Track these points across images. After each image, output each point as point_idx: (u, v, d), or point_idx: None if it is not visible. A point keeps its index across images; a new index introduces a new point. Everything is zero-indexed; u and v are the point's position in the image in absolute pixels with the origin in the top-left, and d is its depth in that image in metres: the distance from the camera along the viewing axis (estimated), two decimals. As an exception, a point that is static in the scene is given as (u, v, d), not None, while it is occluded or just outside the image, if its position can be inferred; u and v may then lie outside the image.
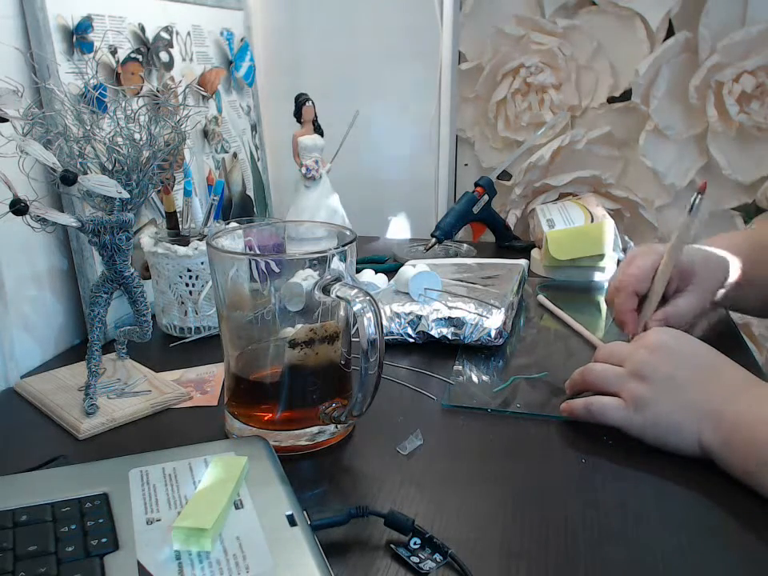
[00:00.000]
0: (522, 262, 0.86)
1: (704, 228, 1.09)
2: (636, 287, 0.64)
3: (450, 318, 0.68)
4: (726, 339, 0.72)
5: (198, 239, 0.72)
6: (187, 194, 0.77)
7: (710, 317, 0.75)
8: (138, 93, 0.76)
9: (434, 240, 1.00)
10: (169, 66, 0.84)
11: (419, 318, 0.69)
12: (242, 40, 1.02)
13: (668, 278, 0.64)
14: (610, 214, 0.97)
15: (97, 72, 0.71)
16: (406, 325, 0.69)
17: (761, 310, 0.74)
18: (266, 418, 0.51)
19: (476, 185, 1.04)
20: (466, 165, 1.18)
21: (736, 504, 0.44)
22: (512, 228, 1.10)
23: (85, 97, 0.53)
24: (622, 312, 0.65)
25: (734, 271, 0.66)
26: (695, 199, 0.61)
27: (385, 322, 0.69)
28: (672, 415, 0.49)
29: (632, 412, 0.50)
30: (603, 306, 0.82)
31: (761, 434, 0.45)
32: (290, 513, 0.38)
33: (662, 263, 0.63)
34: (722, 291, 0.67)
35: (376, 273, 0.84)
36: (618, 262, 0.91)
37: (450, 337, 0.68)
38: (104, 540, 0.36)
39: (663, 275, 0.63)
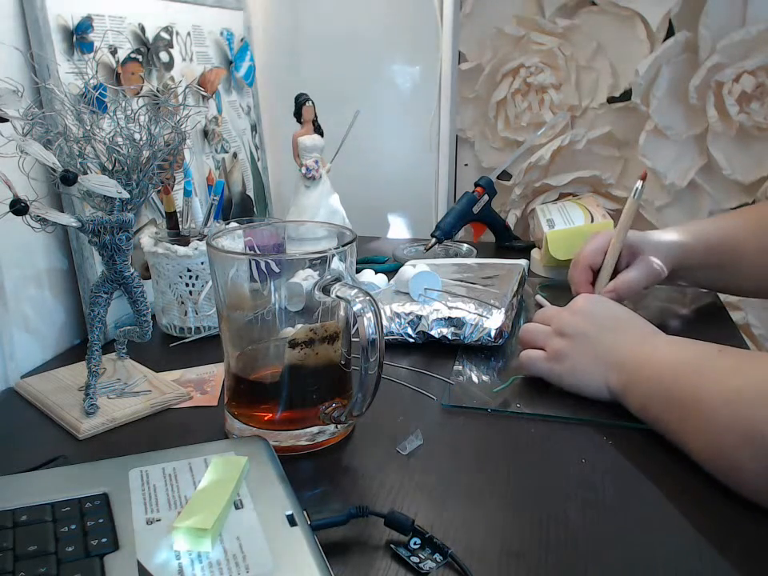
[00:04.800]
0: (522, 262, 0.86)
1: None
2: (590, 261, 0.74)
3: (450, 318, 0.68)
4: (725, 339, 0.71)
5: (198, 239, 0.72)
6: (187, 194, 0.77)
7: (709, 314, 0.79)
8: (138, 93, 0.76)
9: (434, 240, 1.00)
10: (169, 66, 0.84)
11: (419, 317, 0.69)
12: (242, 40, 1.02)
13: (617, 255, 0.73)
14: (610, 214, 0.97)
15: (97, 72, 0.71)
16: (406, 325, 0.69)
17: (749, 291, 0.81)
18: (266, 418, 0.51)
19: (476, 185, 1.04)
20: (465, 165, 1.18)
21: (735, 506, 0.44)
22: (512, 228, 1.10)
23: (85, 97, 0.53)
24: (578, 284, 0.75)
25: (695, 252, 0.75)
26: (639, 186, 0.72)
27: (385, 322, 0.69)
28: (585, 365, 0.57)
29: (553, 363, 0.59)
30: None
31: (650, 374, 0.52)
32: (289, 513, 0.38)
33: (611, 242, 0.73)
34: (686, 271, 0.75)
35: (376, 273, 0.84)
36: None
37: (450, 337, 0.68)
38: (104, 540, 0.36)
39: (613, 251, 0.73)
